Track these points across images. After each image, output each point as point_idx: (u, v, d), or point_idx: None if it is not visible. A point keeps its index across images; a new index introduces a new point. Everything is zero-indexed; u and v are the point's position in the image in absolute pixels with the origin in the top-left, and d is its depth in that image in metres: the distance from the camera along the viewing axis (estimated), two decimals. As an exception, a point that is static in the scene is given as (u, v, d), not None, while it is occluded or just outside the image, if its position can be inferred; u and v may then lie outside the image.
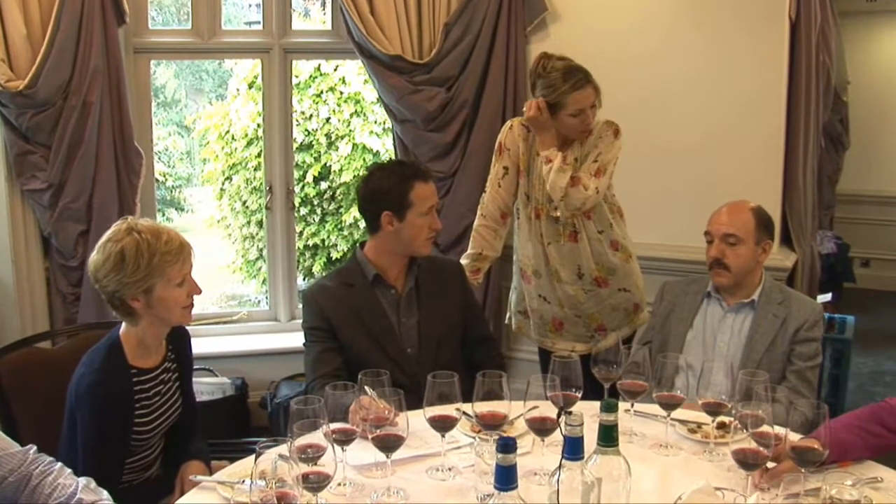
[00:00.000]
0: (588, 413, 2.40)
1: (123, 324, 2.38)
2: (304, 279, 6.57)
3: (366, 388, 2.15)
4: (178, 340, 2.53)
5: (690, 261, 3.90)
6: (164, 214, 8.71)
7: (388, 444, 1.99)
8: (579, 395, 2.19)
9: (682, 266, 3.96)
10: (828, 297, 5.45)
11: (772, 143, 4.08)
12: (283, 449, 1.83)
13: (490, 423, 2.04)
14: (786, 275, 4.06)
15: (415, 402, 2.15)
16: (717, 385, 2.26)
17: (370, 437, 1.99)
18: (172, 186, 9.31)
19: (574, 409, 2.13)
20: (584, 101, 3.14)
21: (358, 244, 2.89)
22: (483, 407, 2.07)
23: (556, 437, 2.03)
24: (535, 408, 2.13)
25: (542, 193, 3.30)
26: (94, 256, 2.31)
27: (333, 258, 6.40)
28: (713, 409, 2.20)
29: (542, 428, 2.02)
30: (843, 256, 6.75)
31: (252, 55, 4.91)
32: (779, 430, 1.93)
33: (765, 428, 1.91)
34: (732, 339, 2.82)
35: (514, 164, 3.35)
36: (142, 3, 4.32)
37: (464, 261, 3.36)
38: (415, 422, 2.09)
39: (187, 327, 2.55)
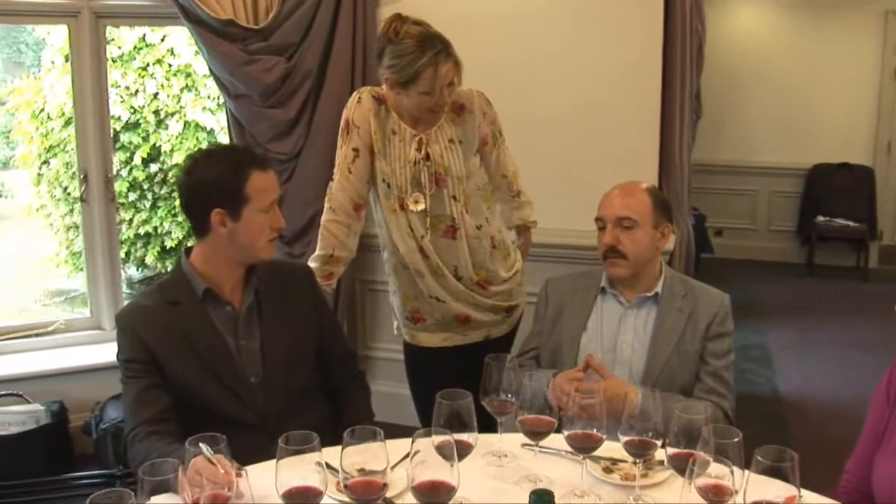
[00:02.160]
0: (482, 451, 1.98)
1: None
2: (137, 269, 6.08)
3: (200, 445, 1.67)
4: None
5: (568, 244, 3.68)
6: (-23, 202, 8.06)
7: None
8: (474, 441, 1.76)
9: (557, 252, 3.65)
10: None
11: (648, 114, 3.79)
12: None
13: (364, 497, 1.57)
14: (668, 257, 3.79)
15: (265, 442, 1.75)
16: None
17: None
18: (-14, 171, 8.45)
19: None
20: (443, 78, 2.66)
21: (183, 251, 2.34)
22: (353, 458, 1.61)
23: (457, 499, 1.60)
24: (416, 453, 1.66)
25: (404, 179, 2.80)
26: None
27: (168, 247, 5.83)
28: (639, 451, 1.78)
29: (435, 501, 1.55)
30: (701, 227, 6.79)
31: (56, 19, 4.22)
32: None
33: (715, 473, 1.50)
34: (636, 340, 2.44)
35: (365, 145, 2.80)
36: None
37: (313, 264, 2.78)
38: (267, 481, 1.62)
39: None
